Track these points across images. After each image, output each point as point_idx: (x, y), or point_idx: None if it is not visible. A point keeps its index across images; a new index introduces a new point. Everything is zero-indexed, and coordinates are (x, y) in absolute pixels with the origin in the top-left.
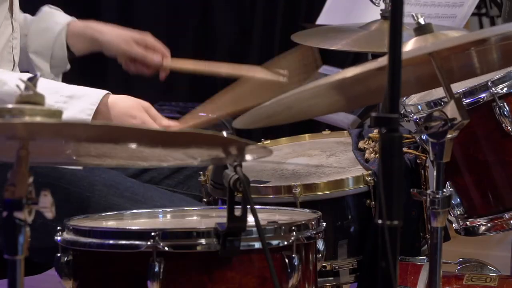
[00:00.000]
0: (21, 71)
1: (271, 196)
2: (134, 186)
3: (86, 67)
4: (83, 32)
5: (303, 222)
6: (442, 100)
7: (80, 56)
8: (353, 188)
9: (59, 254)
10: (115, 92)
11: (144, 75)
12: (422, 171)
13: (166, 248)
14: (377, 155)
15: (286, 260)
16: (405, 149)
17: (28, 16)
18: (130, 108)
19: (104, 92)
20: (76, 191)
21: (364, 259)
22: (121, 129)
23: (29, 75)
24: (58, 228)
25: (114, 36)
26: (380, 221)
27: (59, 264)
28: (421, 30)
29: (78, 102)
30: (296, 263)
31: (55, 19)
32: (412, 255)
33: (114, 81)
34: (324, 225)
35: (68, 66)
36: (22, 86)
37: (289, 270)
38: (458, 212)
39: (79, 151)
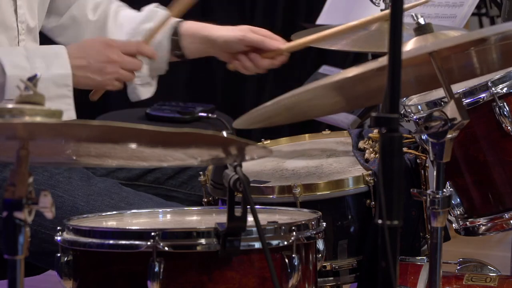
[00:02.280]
0: None
1: (271, 196)
2: (129, 196)
3: None
4: (199, 32)
5: (303, 222)
6: (442, 100)
7: (192, 58)
8: (353, 188)
9: (59, 254)
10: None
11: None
12: (422, 171)
13: (166, 248)
14: (377, 155)
15: (286, 260)
16: (405, 149)
17: (132, 13)
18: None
19: (61, 46)
20: (71, 200)
21: (364, 259)
22: (121, 129)
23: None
24: (58, 228)
25: (229, 30)
26: (380, 221)
27: (59, 264)
28: (421, 30)
29: (51, 61)
30: (296, 263)
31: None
32: (412, 255)
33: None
34: (324, 225)
35: (166, 68)
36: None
37: (289, 270)
38: (458, 212)
39: (79, 151)
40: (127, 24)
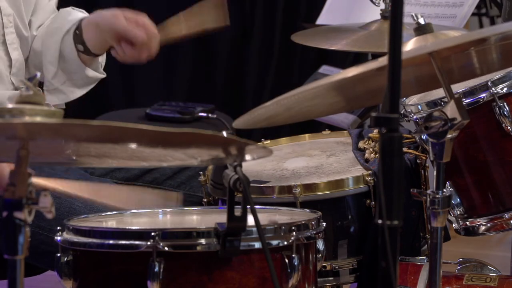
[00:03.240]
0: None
1: (271, 196)
2: None
3: None
4: (93, 21)
5: (303, 222)
6: (442, 100)
7: (99, 54)
8: (353, 188)
9: (59, 254)
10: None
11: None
12: (422, 171)
13: (166, 248)
14: (377, 155)
15: (286, 260)
16: (405, 149)
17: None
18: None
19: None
20: (68, 201)
21: (364, 259)
22: (121, 129)
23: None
24: (58, 228)
25: (108, 13)
26: (380, 221)
27: (59, 264)
28: (421, 30)
29: None
30: (296, 263)
31: (69, 17)
32: (412, 255)
33: (113, 82)
34: (324, 225)
35: (102, 76)
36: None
37: (289, 270)
38: (458, 212)
39: (79, 151)
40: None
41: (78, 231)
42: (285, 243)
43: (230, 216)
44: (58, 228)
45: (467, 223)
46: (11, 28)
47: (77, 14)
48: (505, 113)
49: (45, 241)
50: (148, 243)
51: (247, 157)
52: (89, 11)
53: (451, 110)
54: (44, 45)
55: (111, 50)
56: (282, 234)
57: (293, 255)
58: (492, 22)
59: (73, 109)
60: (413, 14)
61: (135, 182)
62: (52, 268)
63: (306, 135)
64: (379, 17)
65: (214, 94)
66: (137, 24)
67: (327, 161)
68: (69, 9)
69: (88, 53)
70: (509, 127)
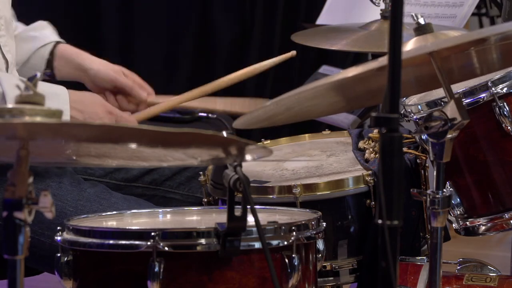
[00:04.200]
0: None
1: (271, 196)
2: (118, 202)
3: None
4: (73, 58)
5: (303, 222)
6: (442, 100)
7: (59, 80)
8: (353, 188)
9: (59, 254)
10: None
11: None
12: (422, 171)
13: (166, 248)
14: (377, 155)
15: (286, 260)
16: (405, 149)
17: (20, 25)
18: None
19: (63, 88)
20: (60, 205)
21: (364, 259)
22: (121, 129)
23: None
24: (58, 228)
25: (103, 65)
26: (380, 221)
27: (59, 264)
28: (421, 30)
29: (53, 103)
30: (296, 263)
31: (46, 32)
32: (412, 255)
33: None
34: (324, 225)
35: None
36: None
37: (289, 270)
38: (458, 212)
39: (79, 151)
40: (19, 27)
41: (78, 231)
42: (285, 243)
43: (230, 216)
44: (59, 228)
45: (467, 223)
46: (3, 31)
47: (53, 32)
48: (505, 113)
49: (37, 245)
50: (148, 243)
51: (247, 157)
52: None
53: (451, 110)
54: (19, 49)
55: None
56: (282, 234)
57: (293, 255)
58: (492, 22)
59: None
60: (413, 14)
61: (134, 183)
62: (47, 270)
63: (306, 135)
64: (379, 17)
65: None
66: (134, 82)
67: (327, 161)
68: (44, 23)
69: (52, 78)
70: (509, 127)
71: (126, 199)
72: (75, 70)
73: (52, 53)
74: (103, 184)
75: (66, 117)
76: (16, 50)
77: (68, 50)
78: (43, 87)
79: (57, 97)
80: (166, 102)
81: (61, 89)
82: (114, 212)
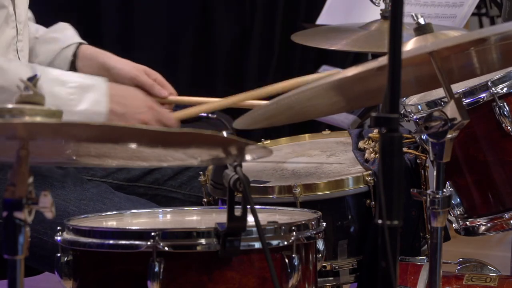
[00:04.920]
0: None
1: (271, 196)
2: (121, 201)
3: None
4: (95, 57)
5: (303, 222)
6: (442, 100)
7: None
8: (353, 188)
9: (59, 254)
10: None
11: None
12: (422, 171)
13: (166, 248)
14: (377, 155)
15: (286, 260)
16: (405, 149)
17: (41, 27)
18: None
19: (104, 79)
20: (62, 204)
21: (364, 259)
22: (121, 129)
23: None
24: (58, 228)
25: (125, 63)
26: (380, 221)
27: (59, 264)
28: (421, 30)
29: (90, 94)
30: (296, 263)
31: (68, 33)
32: (412, 255)
33: None
34: (324, 225)
35: None
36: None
37: (289, 270)
38: (458, 212)
39: (79, 151)
40: (35, 29)
41: (78, 231)
42: (285, 243)
43: (230, 216)
44: (59, 228)
45: (467, 223)
46: (21, 36)
47: (74, 33)
48: (505, 113)
49: (38, 244)
50: (148, 243)
51: (247, 157)
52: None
53: (451, 110)
54: (38, 48)
55: None
56: (282, 234)
57: (293, 255)
58: (492, 22)
59: None
60: (413, 14)
61: (136, 183)
62: (47, 270)
63: (306, 135)
64: (379, 17)
65: (214, 94)
66: (155, 81)
67: (327, 161)
68: (65, 24)
69: None
70: (509, 127)
71: (129, 199)
72: (98, 70)
73: (75, 54)
74: (106, 184)
75: (102, 109)
76: (38, 52)
77: (91, 50)
78: (81, 79)
79: (95, 88)
80: (208, 104)
81: (100, 80)
82: (114, 212)
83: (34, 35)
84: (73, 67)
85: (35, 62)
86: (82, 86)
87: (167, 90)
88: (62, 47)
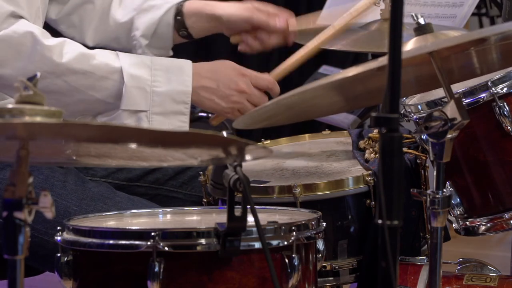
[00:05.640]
0: (120, 49)
1: (271, 196)
2: (122, 201)
3: None
4: (203, 10)
5: (303, 222)
6: (442, 100)
7: (199, 38)
8: (353, 188)
9: (59, 254)
10: None
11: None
12: (422, 171)
13: (166, 248)
14: (377, 155)
15: (286, 260)
16: (405, 149)
17: None
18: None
19: (188, 61)
20: (64, 204)
21: (364, 259)
22: (121, 129)
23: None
24: (58, 228)
25: (234, 7)
26: (380, 221)
27: (59, 264)
28: (421, 30)
29: (173, 75)
30: (296, 263)
31: None
32: (412, 255)
33: None
34: (324, 225)
35: (171, 53)
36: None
37: (289, 270)
38: (458, 212)
39: (79, 151)
40: (131, 1)
41: (78, 231)
42: (285, 243)
43: (230, 216)
44: (59, 228)
45: (467, 223)
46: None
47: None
48: (505, 113)
49: (40, 244)
50: (148, 243)
51: (247, 157)
52: None
53: (451, 110)
54: (137, 21)
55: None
56: (282, 234)
57: (293, 255)
58: (492, 22)
59: None
60: (413, 14)
61: (137, 182)
62: (48, 270)
63: (306, 135)
64: (379, 17)
65: None
66: (269, 15)
67: (327, 161)
68: None
69: (189, 38)
70: (509, 127)
71: (130, 198)
72: (208, 23)
73: (180, 14)
74: (107, 184)
75: (186, 88)
76: (138, 25)
77: (196, 4)
78: (166, 62)
79: (180, 70)
80: (293, 57)
81: (185, 62)
82: (114, 212)
83: (132, 7)
84: (183, 27)
85: (137, 35)
86: (167, 67)
87: (283, 18)
88: (161, 14)
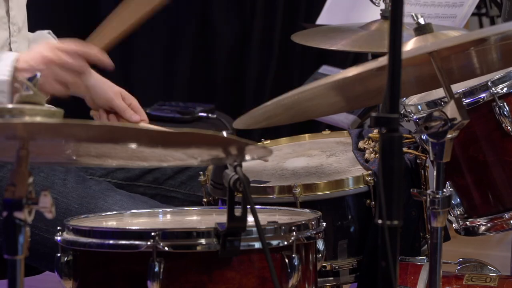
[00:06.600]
0: None
1: (271, 196)
2: (123, 199)
3: None
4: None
5: (303, 222)
6: (442, 100)
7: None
8: (353, 188)
9: (59, 254)
10: None
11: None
12: (422, 171)
13: (166, 248)
14: (377, 155)
15: (286, 260)
16: (405, 149)
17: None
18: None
19: (14, 53)
20: (65, 202)
21: (364, 259)
22: (121, 129)
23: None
24: (58, 228)
25: (103, 82)
26: (380, 221)
27: (59, 264)
28: (421, 30)
29: None
30: (296, 263)
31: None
32: (412, 255)
33: (112, 82)
34: (324, 225)
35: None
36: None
37: (289, 270)
38: (458, 212)
39: (79, 151)
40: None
41: (78, 231)
42: (285, 243)
43: (230, 216)
44: (59, 228)
45: (467, 223)
46: (15, 37)
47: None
48: (505, 113)
49: (41, 242)
50: (148, 243)
51: (247, 157)
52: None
53: (451, 110)
54: None
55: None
56: (282, 234)
57: (293, 255)
58: (492, 22)
59: (72, 109)
60: (413, 14)
61: (136, 182)
62: (49, 269)
63: (306, 135)
64: (379, 17)
65: (214, 94)
66: (130, 105)
67: (327, 161)
68: (45, 33)
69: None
70: (509, 127)
71: (131, 196)
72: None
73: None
74: (107, 182)
75: (4, 77)
76: None
77: None
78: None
79: (0, 60)
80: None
81: (11, 54)
82: (114, 212)
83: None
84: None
85: None
86: None
87: (139, 115)
88: None
